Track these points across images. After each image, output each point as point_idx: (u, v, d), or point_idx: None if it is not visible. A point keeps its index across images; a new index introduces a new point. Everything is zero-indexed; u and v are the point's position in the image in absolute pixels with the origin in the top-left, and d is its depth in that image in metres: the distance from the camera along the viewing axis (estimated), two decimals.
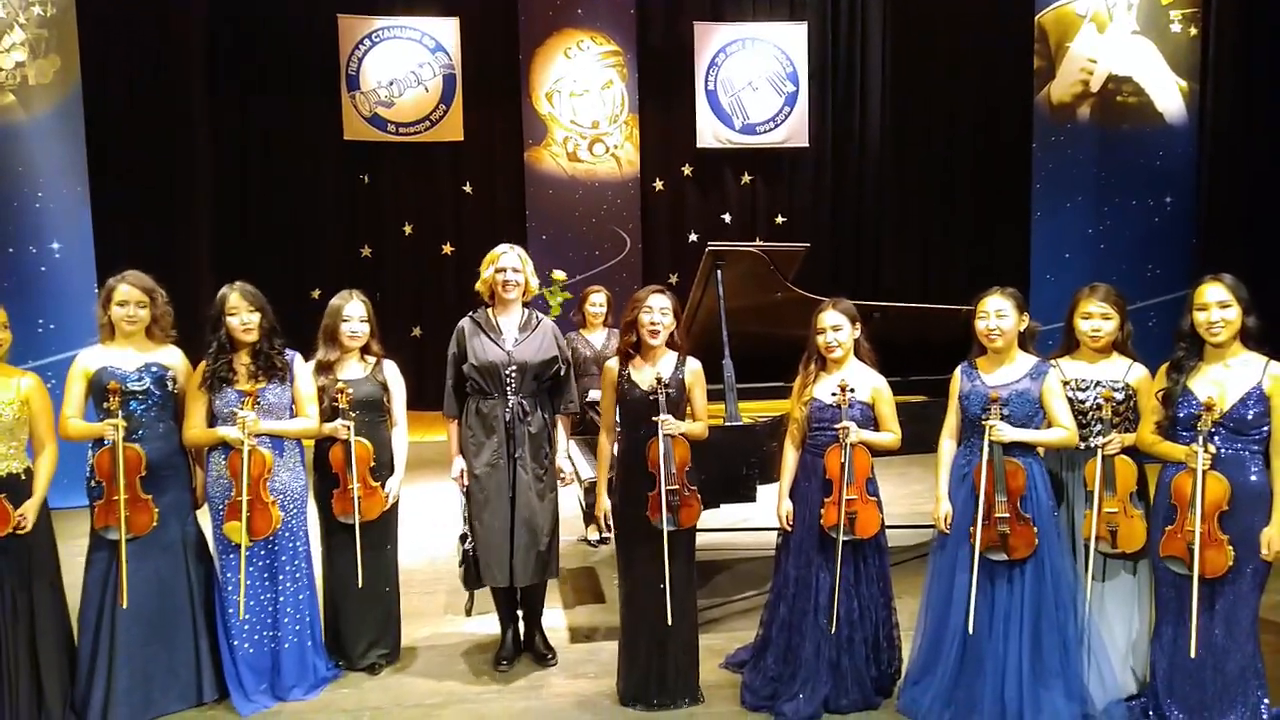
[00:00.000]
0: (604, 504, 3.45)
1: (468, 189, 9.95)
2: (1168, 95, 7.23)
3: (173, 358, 3.44)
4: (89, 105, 6.60)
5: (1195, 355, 2.99)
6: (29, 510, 3.15)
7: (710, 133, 9.87)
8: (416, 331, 9.74)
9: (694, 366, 3.38)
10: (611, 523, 3.45)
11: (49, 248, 6.37)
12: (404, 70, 9.44)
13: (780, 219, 10.13)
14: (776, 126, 9.90)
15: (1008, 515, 3.01)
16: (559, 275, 5.20)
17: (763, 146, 9.93)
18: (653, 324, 3.29)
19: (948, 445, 3.29)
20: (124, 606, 3.24)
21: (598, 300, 5.25)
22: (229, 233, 9.10)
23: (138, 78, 7.82)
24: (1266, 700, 2.92)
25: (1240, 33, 7.15)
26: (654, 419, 3.18)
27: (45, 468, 3.25)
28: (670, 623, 3.21)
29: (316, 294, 9.03)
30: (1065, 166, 7.36)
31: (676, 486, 3.19)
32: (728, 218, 10.09)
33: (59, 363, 6.19)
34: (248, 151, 9.37)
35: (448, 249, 9.94)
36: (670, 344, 3.37)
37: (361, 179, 9.78)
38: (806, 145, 9.92)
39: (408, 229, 9.92)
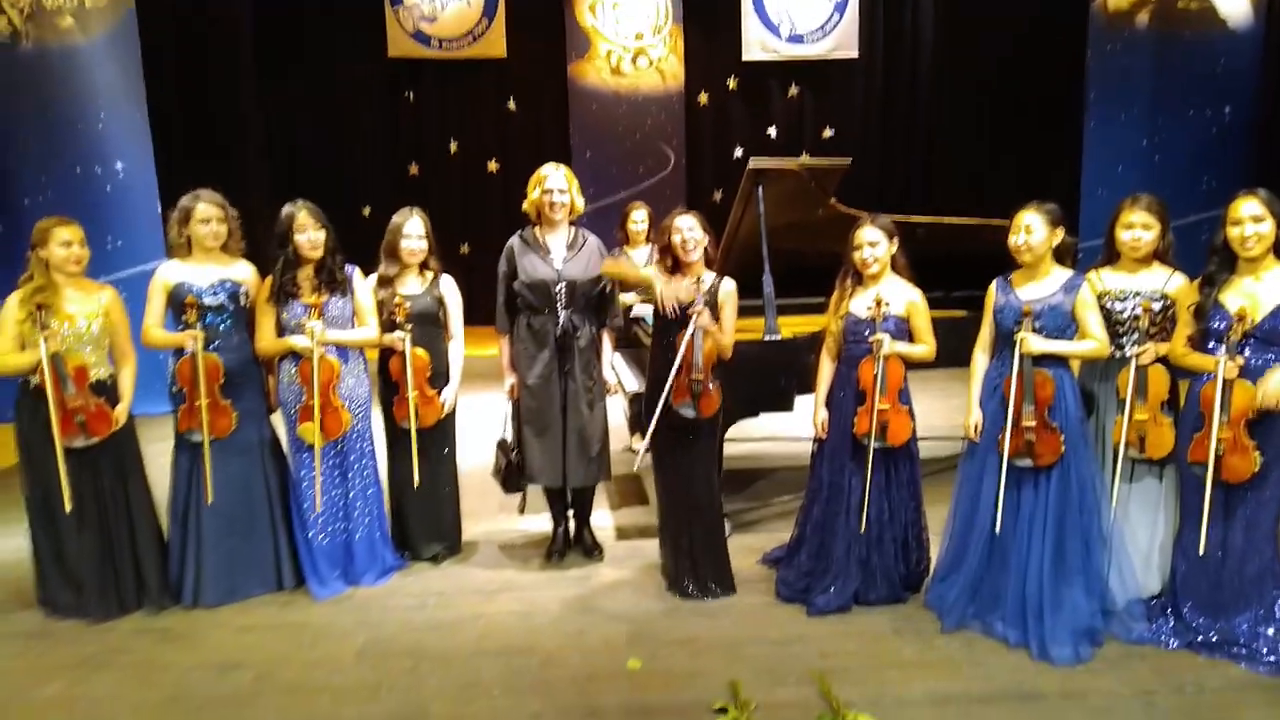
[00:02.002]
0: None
1: (511, 106, 9.96)
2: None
3: (244, 273, 3.65)
4: (143, 26, 6.73)
5: (1228, 269, 3.03)
6: (121, 412, 3.45)
7: (756, 43, 9.70)
8: (464, 249, 9.90)
9: (728, 287, 3.50)
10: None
11: (113, 167, 6.60)
12: None
13: (828, 132, 10.00)
14: (825, 35, 9.68)
15: (1034, 424, 3.12)
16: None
17: (810, 57, 9.74)
18: (684, 241, 3.41)
19: (980, 358, 3.39)
20: (209, 503, 3.53)
21: (639, 217, 5.34)
22: (281, 150, 9.29)
23: None
24: (1278, 594, 3.04)
25: None
26: (690, 313, 3.32)
27: (129, 373, 3.54)
28: (693, 491, 3.43)
29: (367, 211, 9.24)
30: (1120, 76, 7.13)
31: (701, 377, 3.35)
32: (773, 132, 9.98)
33: (128, 278, 6.49)
34: (295, 70, 9.45)
35: (493, 166, 10.03)
36: (707, 262, 3.49)
37: (406, 96, 9.85)
38: (856, 55, 9.71)
39: (453, 147, 10.01)
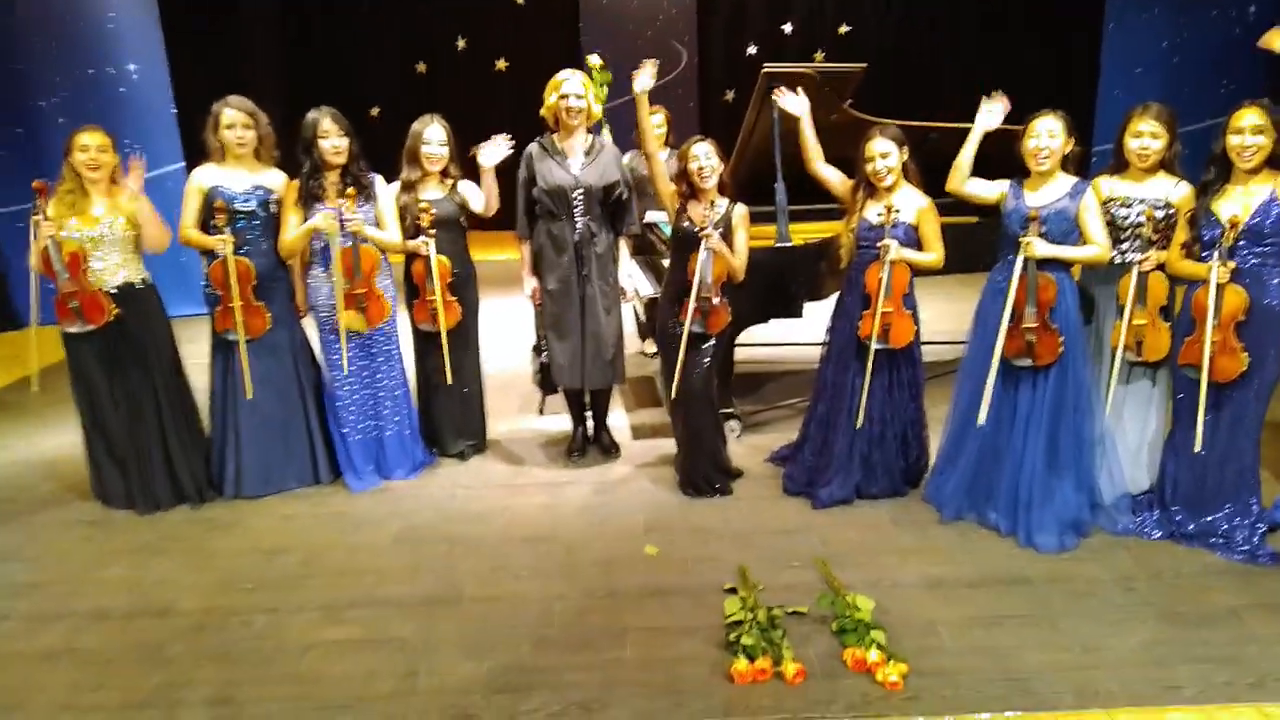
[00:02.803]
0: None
1: (520, 1, 9.75)
2: None
3: (276, 181, 3.74)
4: None
5: (1224, 178, 3.11)
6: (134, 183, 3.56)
7: None
8: (472, 151, 9.82)
9: (741, 210, 3.60)
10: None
11: (126, 69, 6.58)
12: None
13: (844, 28, 9.77)
14: None
15: (1035, 325, 3.26)
16: (595, 62, 5.23)
17: None
18: (700, 169, 3.50)
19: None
20: (249, 398, 3.72)
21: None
22: (291, 51, 9.17)
23: None
24: (1256, 499, 3.25)
25: None
26: (701, 235, 3.44)
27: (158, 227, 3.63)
28: (685, 389, 3.57)
29: (375, 112, 9.20)
30: None
31: (709, 295, 3.50)
32: (788, 28, 9.77)
33: (145, 183, 6.55)
34: None
35: (501, 65, 9.89)
36: (720, 189, 3.58)
37: None
38: None
39: (461, 44, 9.85)
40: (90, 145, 3.45)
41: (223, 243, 3.56)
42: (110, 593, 3.14)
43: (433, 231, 3.80)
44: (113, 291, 3.55)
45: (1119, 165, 3.41)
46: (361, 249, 3.69)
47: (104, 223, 3.49)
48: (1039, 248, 3.23)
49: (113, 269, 3.55)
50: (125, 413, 3.66)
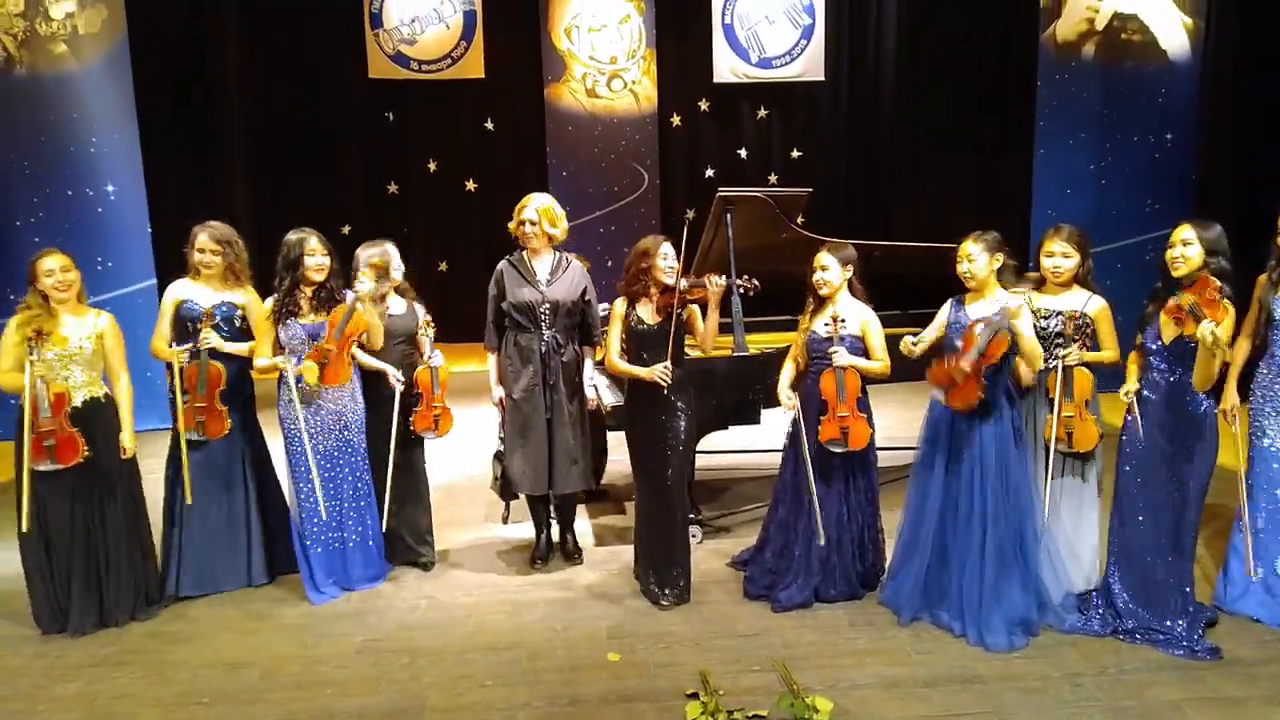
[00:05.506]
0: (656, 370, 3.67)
1: (489, 126, 10.22)
2: (1172, 33, 7.33)
3: (244, 298, 3.95)
4: (134, 53, 6.91)
5: (1169, 287, 3.38)
6: (126, 441, 3.70)
7: (726, 67, 10.02)
8: (442, 266, 10.13)
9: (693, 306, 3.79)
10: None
11: (105, 190, 6.78)
12: (426, 7, 9.62)
13: (796, 153, 10.34)
14: (793, 60, 10.03)
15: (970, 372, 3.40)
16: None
17: (779, 80, 10.10)
18: (670, 267, 3.70)
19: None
20: (188, 502, 3.82)
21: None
22: (264, 170, 9.48)
23: (176, 24, 8.16)
24: (1193, 596, 3.40)
25: None
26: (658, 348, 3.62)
27: (126, 396, 3.75)
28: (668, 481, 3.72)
29: (346, 230, 9.44)
30: (1068, 104, 7.50)
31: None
32: (744, 153, 10.32)
33: (118, 298, 6.66)
34: (281, 92, 9.64)
35: (471, 186, 10.27)
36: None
37: (386, 116, 10.08)
38: (822, 79, 10.07)
39: (432, 166, 10.24)
40: (55, 269, 3.55)
41: (197, 346, 3.77)
42: (65, 710, 3.09)
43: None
44: (78, 405, 3.59)
45: (1040, 281, 3.69)
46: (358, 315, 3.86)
47: (74, 340, 3.58)
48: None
49: (80, 385, 3.62)
50: (82, 533, 3.63)
